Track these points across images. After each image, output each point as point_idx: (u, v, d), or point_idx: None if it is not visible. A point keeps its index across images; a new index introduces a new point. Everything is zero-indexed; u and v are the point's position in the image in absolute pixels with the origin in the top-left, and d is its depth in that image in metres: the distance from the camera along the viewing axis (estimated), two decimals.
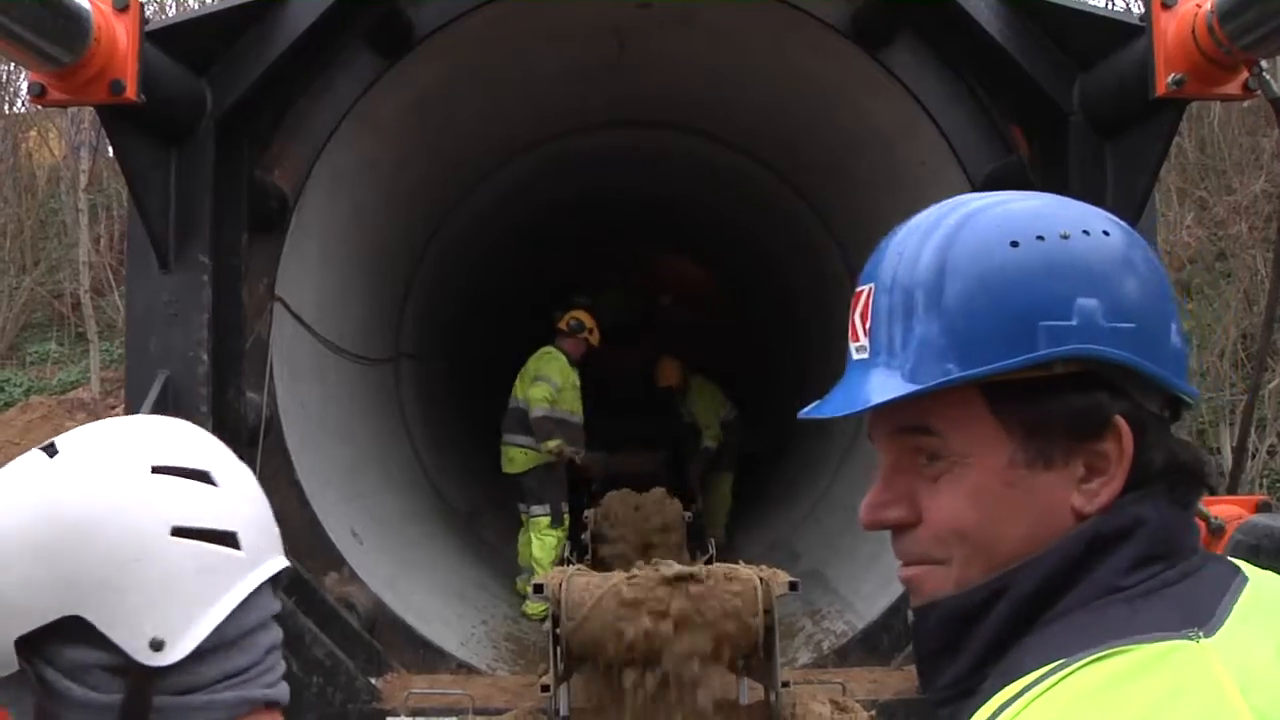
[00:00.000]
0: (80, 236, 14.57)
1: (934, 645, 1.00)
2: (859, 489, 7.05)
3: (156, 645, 1.03)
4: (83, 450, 1.09)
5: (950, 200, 1.05)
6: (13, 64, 15.34)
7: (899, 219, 1.06)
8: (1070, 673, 0.84)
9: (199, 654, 1.05)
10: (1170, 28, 4.04)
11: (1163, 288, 0.99)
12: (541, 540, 7.28)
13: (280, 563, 1.15)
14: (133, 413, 4.61)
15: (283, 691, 1.14)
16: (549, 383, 7.58)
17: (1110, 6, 12.57)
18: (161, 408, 4.37)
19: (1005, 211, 1.00)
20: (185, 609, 1.05)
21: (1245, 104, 10.85)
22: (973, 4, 4.73)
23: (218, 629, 1.06)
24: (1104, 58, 4.50)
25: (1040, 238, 0.97)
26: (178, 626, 1.04)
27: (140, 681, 1.04)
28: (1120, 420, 0.95)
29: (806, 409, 1.09)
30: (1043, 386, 0.95)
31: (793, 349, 10.28)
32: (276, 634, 1.15)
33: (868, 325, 1.04)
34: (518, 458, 7.54)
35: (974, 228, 1.00)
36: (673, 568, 3.76)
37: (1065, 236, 0.97)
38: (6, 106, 17.15)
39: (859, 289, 1.06)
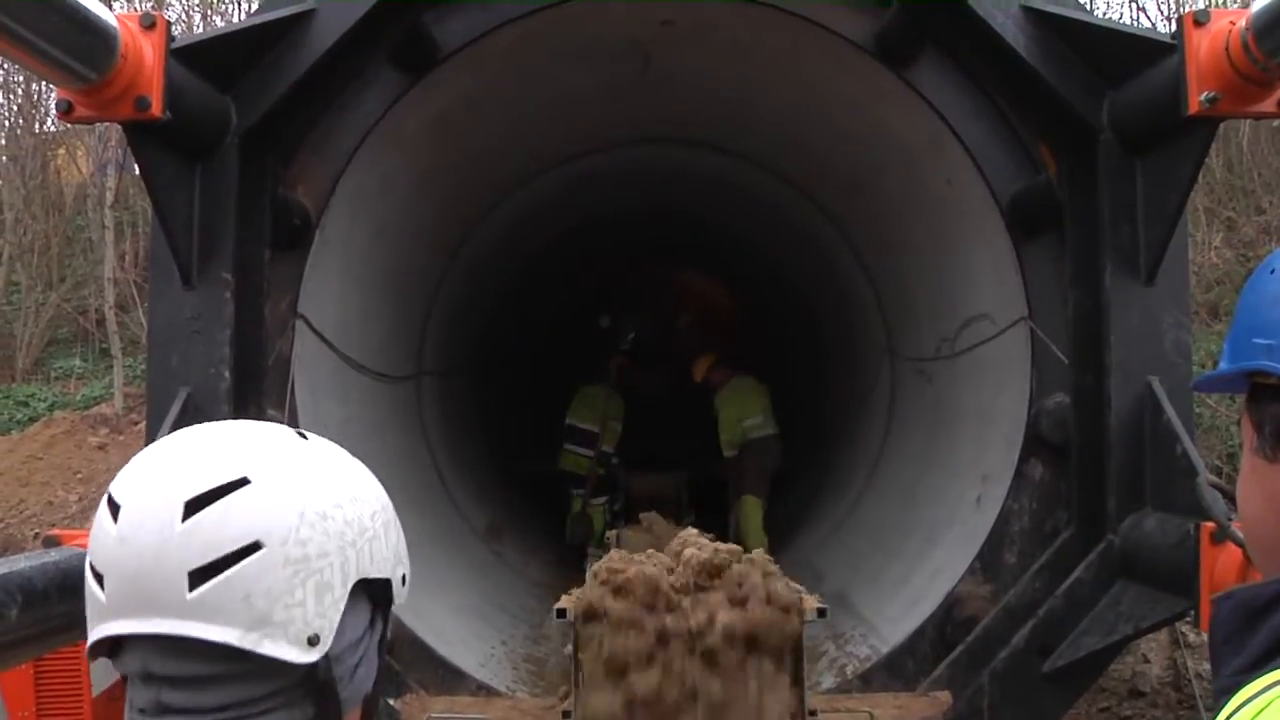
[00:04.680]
0: (106, 253, 14.70)
1: (1220, 635, 1.03)
2: (885, 510, 6.95)
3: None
4: (323, 442, 1.24)
5: None
6: (43, 83, 15.52)
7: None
8: None
9: None
10: (1203, 45, 3.98)
11: None
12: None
13: None
14: (154, 430, 4.61)
15: None
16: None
17: (1136, 24, 12.49)
18: (182, 425, 4.35)
19: None
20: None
21: (1276, 124, 10.74)
22: (999, 21, 4.68)
23: None
24: (1134, 75, 4.44)
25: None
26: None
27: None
28: None
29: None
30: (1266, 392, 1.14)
31: (815, 366, 10.20)
32: None
33: None
34: (583, 464, 9.52)
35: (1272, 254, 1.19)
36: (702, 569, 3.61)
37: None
38: (36, 125, 17.38)
39: None
